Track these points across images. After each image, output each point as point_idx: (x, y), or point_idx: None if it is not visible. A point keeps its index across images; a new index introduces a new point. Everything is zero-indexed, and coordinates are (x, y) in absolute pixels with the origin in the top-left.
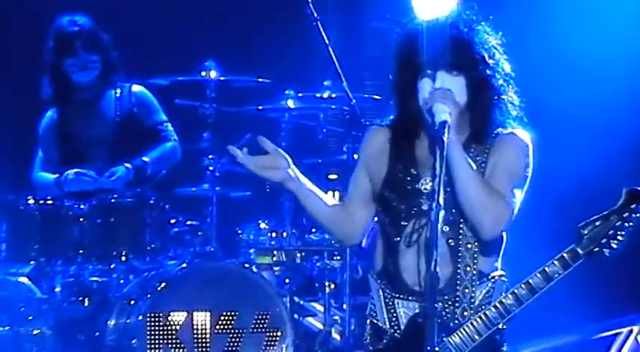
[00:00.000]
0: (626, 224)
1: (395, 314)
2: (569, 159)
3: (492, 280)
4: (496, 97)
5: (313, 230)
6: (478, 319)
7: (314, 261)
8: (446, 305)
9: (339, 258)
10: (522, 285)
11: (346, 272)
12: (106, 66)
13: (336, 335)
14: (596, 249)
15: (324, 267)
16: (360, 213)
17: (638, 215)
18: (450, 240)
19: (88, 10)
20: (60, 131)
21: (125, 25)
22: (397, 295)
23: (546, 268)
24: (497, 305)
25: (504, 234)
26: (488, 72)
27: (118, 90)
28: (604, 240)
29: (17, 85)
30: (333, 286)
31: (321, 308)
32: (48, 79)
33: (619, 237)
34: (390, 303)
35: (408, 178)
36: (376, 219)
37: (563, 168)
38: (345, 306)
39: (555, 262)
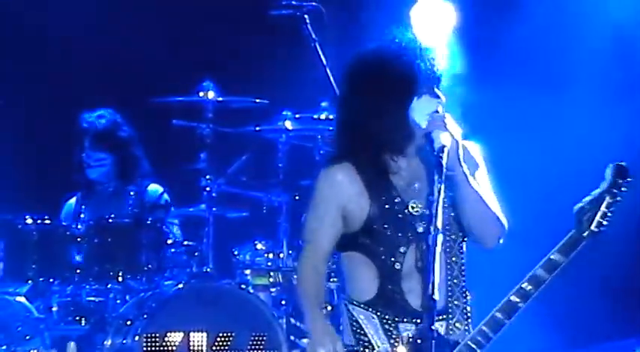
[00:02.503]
0: (617, 199)
1: (398, 339)
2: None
3: None
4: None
5: None
6: (485, 324)
7: None
8: (441, 318)
9: (335, 279)
10: (527, 280)
11: (342, 294)
12: (120, 163)
13: None
14: (596, 230)
15: None
16: (329, 257)
17: (623, 189)
18: (442, 254)
19: (89, 23)
20: (76, 215)
21: (124, 44)
22: (400, 319)
23: (549, 258)
24: (504, 305)
25: None
26: (442, 93)
27: (133, 189)
28: (604, 221)
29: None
30: (329, 308)
31: None
32: (76, 168)
33: (609, 215)
34: (392, 329)
35: (396, 207)
36: (357, 251)
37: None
38: (341, 328)
39: (557, 250)
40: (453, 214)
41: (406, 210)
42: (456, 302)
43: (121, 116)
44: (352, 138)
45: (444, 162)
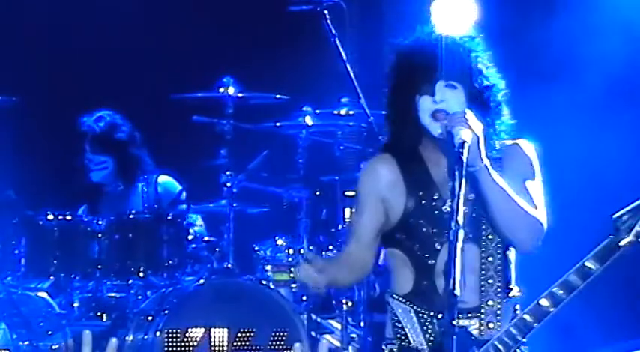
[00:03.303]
0: None
1: (433, 334)
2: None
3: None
4: (496, 109)
5: (330, 247)
6: (513, 326)
7: None
8: (472, 318)
9: None
10: (559, 285)
11: (363, 290)
12: (121, 165)
13: None
14: (634, 240)
15: None
16: (373, 248)
17: None
18: (477, 254)
19: (108, 20)
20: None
21: (144, 41)
22: (435, 314)
23: (583, 264)
24: (533, 308)
25: None
26: (486, 83)
27: (143, 185)
28: None
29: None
30: (350, 303)
31: (339, 326)
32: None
33: None
34: (428, 323)
35: (433, 203)
36: (395, 247)
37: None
38: (362, 324)
39: (592, 257)
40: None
41: (443, 208)
42: (489, 303)
43: (121, 116)
44: (388, 129)
45: (464, 157)
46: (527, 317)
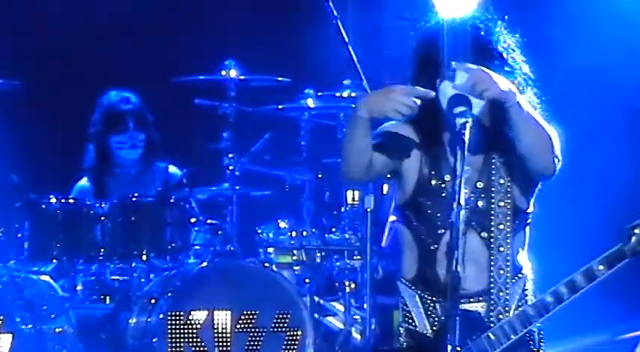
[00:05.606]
0: None
1: (437, 319)
2: (617, 159)
3: (526, 276)
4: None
5: (333, 229)
6: (515, 317)
7: (334, 261)
8: (478, 302)
9: (359, 257)
10: (564, 284)
11: (366, 272)
12: (150, 144)
13: (356, 335)
14: None
15: (345, 267)
16: (375, 164)
17: None
18: (485, 244)
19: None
20: (96, 195)
21: (146, 24)
22: (438, 300)
23: (590, 267)
24: (537, 303)
25: (528, 229)
26: (506, 69)
27: (158, 175)
28: None
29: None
30: (353, 286)
31: (342, 308)
32: (93, 151)
33: None
34: (431, 308)
35: (442, 185)
36: (405, 225)
37: (614, 169)
38: (365, 306)
39: (600, 261)
40: (501, 203)
41: (451, 191)
42: (500, 293)
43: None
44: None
45: (466, 138)
46: (530, 310)
